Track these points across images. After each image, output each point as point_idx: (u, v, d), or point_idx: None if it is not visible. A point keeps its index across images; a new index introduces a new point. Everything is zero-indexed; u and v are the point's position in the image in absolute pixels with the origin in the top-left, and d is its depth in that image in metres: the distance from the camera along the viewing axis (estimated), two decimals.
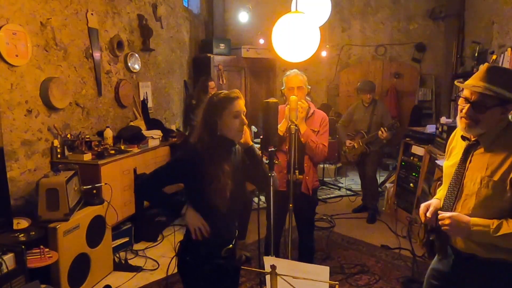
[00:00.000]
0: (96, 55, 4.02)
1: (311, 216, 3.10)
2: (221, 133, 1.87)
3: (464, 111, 1.66)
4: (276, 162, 2.16)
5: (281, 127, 2.66)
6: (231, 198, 1.88)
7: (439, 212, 1.75)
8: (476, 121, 1.63)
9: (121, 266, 3.55)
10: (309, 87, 2.86)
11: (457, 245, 1.78)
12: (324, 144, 2.86)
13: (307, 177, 2.88)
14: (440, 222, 1.69)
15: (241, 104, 1.88)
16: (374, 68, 7.15)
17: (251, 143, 1.98)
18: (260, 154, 2.05)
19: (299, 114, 2.67)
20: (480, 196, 1.65)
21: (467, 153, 1.73)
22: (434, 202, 1.87)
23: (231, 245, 2.01)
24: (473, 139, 1.72)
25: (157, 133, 4.46)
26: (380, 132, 4.50)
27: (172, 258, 2.05)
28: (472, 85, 1.63)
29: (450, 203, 1.77)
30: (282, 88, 2.88)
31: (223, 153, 1.89)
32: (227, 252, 1.98)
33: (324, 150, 2.86)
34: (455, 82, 1.85)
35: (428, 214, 1.81)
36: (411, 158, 4.55)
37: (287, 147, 2.80)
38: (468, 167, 1.72)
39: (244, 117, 1.89)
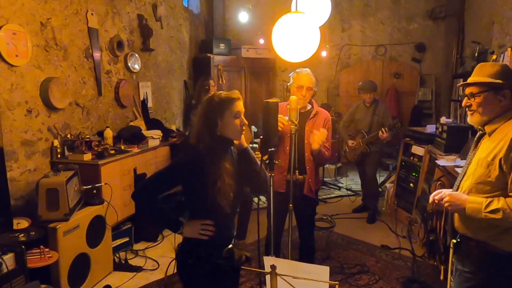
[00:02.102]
0: (96, 55, 4.02)
1: (312, 216, 3.10)
2: (221, 133, 1.87)
3: (463, 103, 1.91)
4: (276, 162, 2.16)
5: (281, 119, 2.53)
6: (234, 197, 1.88)
7: (441, 190, 1.93)
8: (474, 109, 1.86)
9: (121, 266, 3.55)
10: (316, 89, 2.83)
11: (455, 226, 1.96)
12: (328, 147, 2.86)
13: (310, 180, 2.87)
14: (443, 200, 1.87)
15: (241, 105, 1.89)
16: (374, 68, 7.15)
17: (246, 145, 1.97)
18: (255, 156, 2.04)
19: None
20: (475, 175, 1.83)
21: (477, 142, 1.93)
22: (445, 190, 2.00)
23: (231, 245, 2.01)
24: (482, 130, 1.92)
25: (157, 133, 4.46)
26: (380, 133, 4.50)
27: (172, 261, 2.04)
28: (463, 83, 1.93)
29: (456, 186, 1.96)
30: (289, 83, 2.81)
31: (223, 153, 1.89)
32: (228, 253, 1.98)
33: (329, 153, 2.86)
34: (458, 85, 2.05)
35: (437, 197, 1.94)
36: (411, 158, 4.55)
37: (287, 148, 2.79)
38: (475, 154, 1.91)
39: (244, 118, 1.89)
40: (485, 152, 1.81)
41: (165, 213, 1.93)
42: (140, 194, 1.94)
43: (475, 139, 1.95)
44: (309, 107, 2.89)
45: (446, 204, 1.86)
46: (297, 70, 2.82)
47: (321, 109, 2.93)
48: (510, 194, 1.72)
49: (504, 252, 1.78)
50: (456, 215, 1.93)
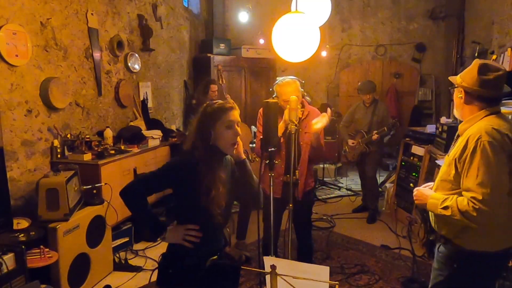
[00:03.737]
0: (96, 55, 4.02)
1: (308, 216, 3.09)
2: (214, 143, 1.83)
3: None
4: (276, 162, 2.16)
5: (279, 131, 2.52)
6: (226, 207, 1.85)
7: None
8: None
9: (121, 266, 3.55)
10: (302, 90, 2.75)
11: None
12: (322, 144, 2.86)
13: (299, 181, 2.86)
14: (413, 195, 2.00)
15: (235, 115, 1.84)
16: (374, 68, 7.15)
17: (243, 156, 1.92)
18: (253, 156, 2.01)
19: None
20: (441, 173, 1.93)
21: (455, 140, 1.97)
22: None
23: (215, 256, 1.93)
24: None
25: (157, 133, 4.46)
26: (374, 137, 4.54)
27: (154, 270, 1.98)
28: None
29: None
30: (274, 95, 2.77)
31: (217, 161, 1.85)
32: (211, 262, 1.90)
33: (325, 149, 2.88)
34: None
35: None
36: (411, 158, 4.55)
37: (283, 152, 2.79)
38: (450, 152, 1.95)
39: (238, 128, 1.84)
40: (452, 151, 1.87)
41: (149, 214, 1.87)
42: (127, 191, 1.85)
43: (455, 137, 1.99)
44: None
45: (414, 199, 1.97)
46: (278, 82, 2.76)
47: (311, 108, 2.92)
48: (463, 193, 1.75)
49: (465, 250, 1.81)
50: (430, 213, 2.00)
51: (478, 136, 1.70)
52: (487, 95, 1.77)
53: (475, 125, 1.77)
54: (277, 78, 2.83)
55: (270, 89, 2.83)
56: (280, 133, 2.57)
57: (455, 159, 1.79)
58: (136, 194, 1.85)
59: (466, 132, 1.81)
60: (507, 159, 1.68)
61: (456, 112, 1.93)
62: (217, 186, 1.79)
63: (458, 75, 1.87)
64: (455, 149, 1.84)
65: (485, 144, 1.67)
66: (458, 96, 1.86)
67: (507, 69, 3.96)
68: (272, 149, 2.08)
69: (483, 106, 1.79)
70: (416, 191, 1.97)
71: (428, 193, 1.90)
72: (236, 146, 1.85)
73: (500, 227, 1.74)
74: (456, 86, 1.87)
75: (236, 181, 1.96)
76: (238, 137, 1.86)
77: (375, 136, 4.56)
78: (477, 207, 1.66)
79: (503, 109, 3.00)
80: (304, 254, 3.02)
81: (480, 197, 1.65)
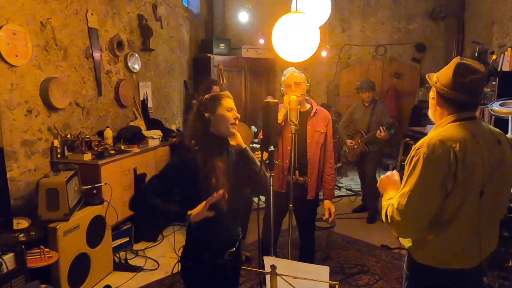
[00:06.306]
0: (96, 55, 4.02)
1: (312, 217, 3.10)
2: (214, 129, 1.86)
3: None
4: (276, 162, 2.16)
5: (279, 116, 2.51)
6: (229, 197, 1.85)
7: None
8: None
9: (121, 266, 3.55)
10: (308, 84, 2.78)
11: None
12: (332, 150, 2.92)
13: (309, 180, 2.87)
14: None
15: (232, 102, 1.90)
16: (374, 68, 7.16)
17: (244, 145, 1.94)
18: (254, 156, 2.01)
19: None
20: None
21: None
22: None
23: (234, 248, 1.98)
24: None
25: (157, 133, 4.46)
26: (378, 132, 4.50)
27: (176, 264, 2.01)
28: None
29: None
30: (281, 89, 2.81)
31: (216, 151, 1.87)
32: (230, 255, 1.95)
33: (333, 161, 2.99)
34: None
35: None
36: None
37: (289, 147, 2.79)
38: None
39: (236, 113, 1.88)
40: None
41: (165, 210, 1.84)
42: (136, 203, 1.88)
43: None
44: (308, 106, 2.89)
45: (379, 181, 1.83)
46: (284, 73, 2.82)
47: (320, 108, 2.94)
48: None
49: (415, 261, 1.69)
50: None
51: (419, 145, 1.57)
52: (459, 100, 1.58)
53: (431, 133, 1.65)
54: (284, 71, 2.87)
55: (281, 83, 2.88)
56: (280, 119, 2.57)
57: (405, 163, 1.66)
58: (142, 201, 1.86)
59: None
60: (444, 177, 1.51)
61: (429, 113, 1.75)
62: (215, 174, 1.81)
63: (436, 73, 1.68)
64: None
65: (421, 156, 1.53)
66: (431, 96, 1.69)
67: (508, 69, 3.97)
68: (272, 149, 2.09)
69: (454, 111, 1.61)
70: (388, 174, 1.79)
71: (393, 185, 1.73)
72: (235, 136, 1.89)
73: (437, 244, 1.61)
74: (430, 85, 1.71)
75: (242, 172, 1.97)
76: (236, 130, 1.89)
77: (383, 133, 4.51)
78: (390, 215, 1.57)
79: (504, 109, 3.01)
80: (306, 254, 3.02)
81: (395, 206, 1.56)
